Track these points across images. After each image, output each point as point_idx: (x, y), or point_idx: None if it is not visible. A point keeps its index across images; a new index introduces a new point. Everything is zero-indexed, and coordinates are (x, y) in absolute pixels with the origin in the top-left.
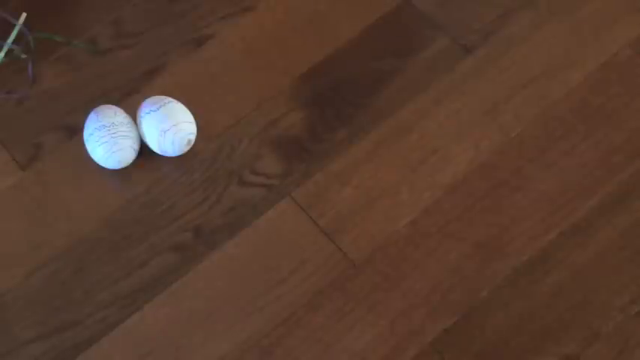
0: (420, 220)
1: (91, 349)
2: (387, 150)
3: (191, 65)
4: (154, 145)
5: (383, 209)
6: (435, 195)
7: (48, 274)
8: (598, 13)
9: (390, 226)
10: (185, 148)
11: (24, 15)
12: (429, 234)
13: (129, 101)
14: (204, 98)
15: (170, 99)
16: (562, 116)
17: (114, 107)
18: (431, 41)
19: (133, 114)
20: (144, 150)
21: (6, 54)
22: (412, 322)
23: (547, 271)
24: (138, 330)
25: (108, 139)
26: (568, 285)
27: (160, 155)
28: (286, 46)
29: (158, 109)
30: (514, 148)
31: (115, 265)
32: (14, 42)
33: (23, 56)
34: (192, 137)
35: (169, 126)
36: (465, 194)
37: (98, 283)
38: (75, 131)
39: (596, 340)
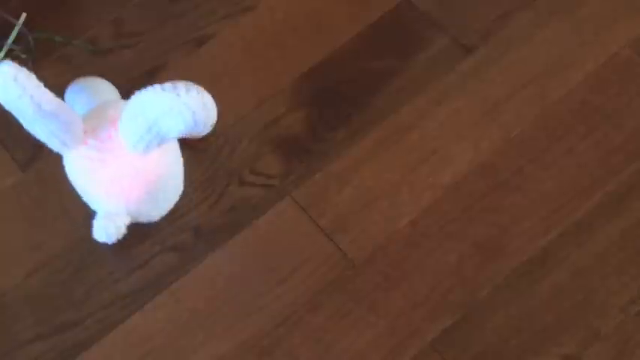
0: (420, 220)
1: (91, 349)
2: (387, 150)
3: (191, 65)
4: None
5: (383, 209)
6: (435, 195)
7: (48, 274)
8: (598, 13)
9: (390, 226)
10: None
11: (24, 15)
12: (429, 234)
13: None
14: None
15: None
16: (562, 116)
17: None
18: (431, 41)
19: None
20: None
21: (6, 54)
22: (412, 322)
23: (547, 271)
24: (138, 330)
25: None
26: (568, 285)
27: None
28: (286, 46)
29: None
30: (514, 148)
31: (115, 265)
32: (14, 42)
33: (23, 56)
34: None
35: None
36: (465, 194)
37: (98, 283)
38: None
39: (596, 340)
